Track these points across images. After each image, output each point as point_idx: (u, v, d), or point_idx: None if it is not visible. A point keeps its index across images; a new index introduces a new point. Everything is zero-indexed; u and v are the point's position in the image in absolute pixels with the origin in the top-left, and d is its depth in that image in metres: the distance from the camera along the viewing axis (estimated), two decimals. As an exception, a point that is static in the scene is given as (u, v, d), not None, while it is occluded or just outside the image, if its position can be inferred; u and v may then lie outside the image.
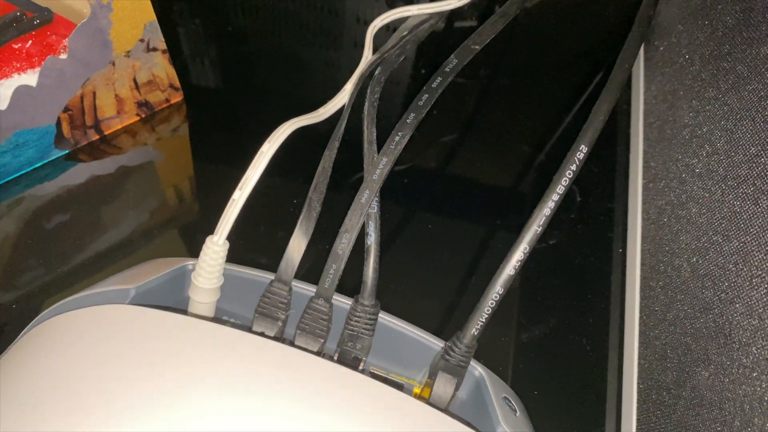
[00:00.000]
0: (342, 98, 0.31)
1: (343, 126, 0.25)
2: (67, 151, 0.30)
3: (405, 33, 0.33)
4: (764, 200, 0.21)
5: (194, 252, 0.29)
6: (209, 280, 0.20)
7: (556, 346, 0.27)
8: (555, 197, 0.19)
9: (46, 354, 0.15)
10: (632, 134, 0.33)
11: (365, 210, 0.21)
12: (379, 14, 0.36)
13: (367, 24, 0.36)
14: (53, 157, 0.30)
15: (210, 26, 0.37)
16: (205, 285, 0.20)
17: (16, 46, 0.24)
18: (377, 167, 0.22)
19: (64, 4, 0.24)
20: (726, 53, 0.26)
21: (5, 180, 0.29)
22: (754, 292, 0.19)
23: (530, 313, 0.28)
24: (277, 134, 0.23)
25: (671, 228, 0.26)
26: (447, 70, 0.26)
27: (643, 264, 0.28)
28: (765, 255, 0.20)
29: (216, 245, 0.20)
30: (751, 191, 0.21)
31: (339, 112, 0.31)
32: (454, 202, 0.31)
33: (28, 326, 0.18)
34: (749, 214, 0.21)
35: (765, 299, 0.19)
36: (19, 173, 0.29)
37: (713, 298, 0.22)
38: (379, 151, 0.23)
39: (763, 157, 0.21)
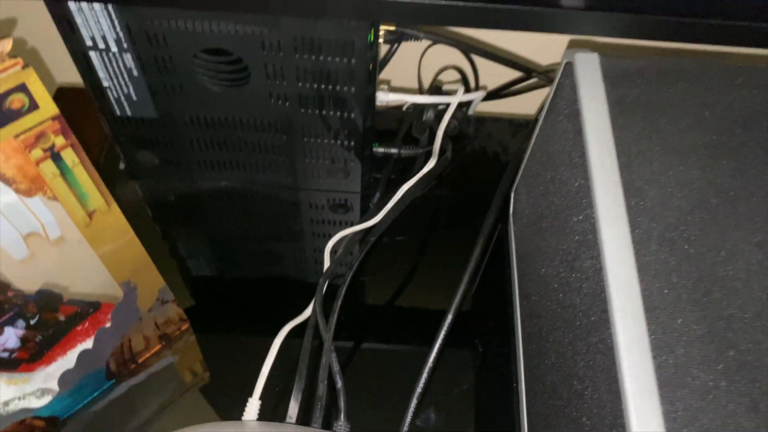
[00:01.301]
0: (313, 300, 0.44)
1: (314, 320, 0.39)
2: (114, 380, 0.42)
3: (338, 252, 0.46)
4: (580, 346, 0.32)
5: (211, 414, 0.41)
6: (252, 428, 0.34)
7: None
8: (433, 354, 0.33)
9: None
10: (513, 293, 0.45)
11: (330, 368, 0.35)
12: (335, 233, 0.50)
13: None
14: (105, 387, 0.42)
15: (198, 258, 0.51)
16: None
17: (78, 328, 0.37)
18: (327, 342, 0.36)
19: (108, 294, 0.37)
20: (544, 218, 0.39)
21: (73, 411, 0.41)
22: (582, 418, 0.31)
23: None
24: (282, 333, 0.39)
25: (539, 368, 0.38)
26: (354, 264, 0.41)
27: (527, 395, 0.39)
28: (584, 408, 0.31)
29: (255, 401, 0.36)
30: (568, 341, 0.34)
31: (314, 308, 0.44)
32: (390, 346, 0.43)
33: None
34: (573, 360, 0.33)
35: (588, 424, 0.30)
36: (83, 403, 0.41)
37: (563, 423, 0.33)
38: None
39: (576, 313, 0.34)
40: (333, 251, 0.48)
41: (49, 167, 0.30)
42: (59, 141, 0.30)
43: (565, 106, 0.36)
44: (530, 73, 0.49)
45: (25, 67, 0.27)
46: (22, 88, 0.28)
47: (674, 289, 0.27)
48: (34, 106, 0.28)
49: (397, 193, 0.48)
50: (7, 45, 0.27)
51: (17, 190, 0.30)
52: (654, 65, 0.35)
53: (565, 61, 0.36)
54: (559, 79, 0.37)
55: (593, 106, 0.33)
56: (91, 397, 0.41)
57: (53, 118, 0.29)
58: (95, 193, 0.33)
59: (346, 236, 0.48)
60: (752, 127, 0.33)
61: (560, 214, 0.35)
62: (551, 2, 0.32)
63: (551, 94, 0.38)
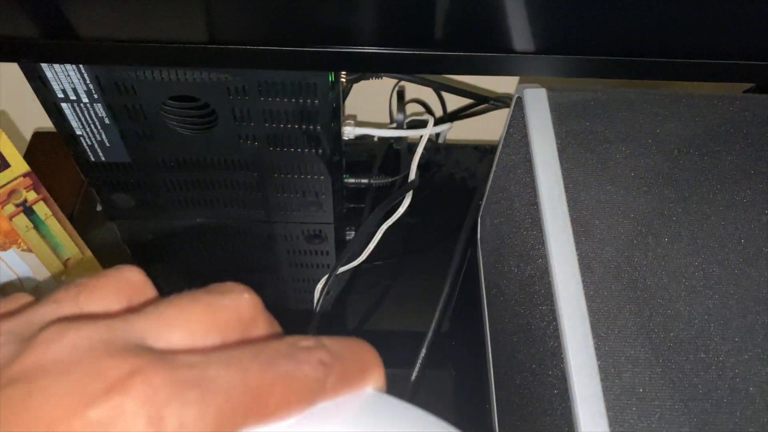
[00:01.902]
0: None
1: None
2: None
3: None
4: (538, 369, 0.34)
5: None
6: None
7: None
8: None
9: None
10: (483, 316, 0.47)
11: None
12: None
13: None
14: None
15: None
16: None
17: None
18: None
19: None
20: (505, 245, 0.40)
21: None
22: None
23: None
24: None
25: (509, 390, 0.39)
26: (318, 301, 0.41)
27: (499, 417, 0.41)
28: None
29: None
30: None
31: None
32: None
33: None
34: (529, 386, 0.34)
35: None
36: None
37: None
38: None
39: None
40: (325, 291, 0.48)
41: (21, 221, 0.32)
42: (31, 196, 0.31)
43: (518, 138, 0.37)
44: (487, 101, 0.51)
45: (-6, 130, 0.29)
46: (-7, 149, 0.29)
47: (621, 314, 0.29)
48: (5, 165, 0.30)
49: (378, 232, 0.49)
50: (-23, 110, 0.28)
51: (-8, 245, 0.31)
52: (599, 97, 0.37)
53: (516, 96, 0.37)
54: (511, 113, 0.39)
55: (542, 140, 0.35)
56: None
57: (24, 175, 0.31)
58: (69, 243, 0.34)
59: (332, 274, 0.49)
60: (693, 153, 0.34)
61: (517, 241, 0.37)
62: (501, 47, 0.34)
63: (506, 127, 0.40)
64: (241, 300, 0.16)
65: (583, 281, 0.29)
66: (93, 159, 0.45)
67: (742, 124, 0.35)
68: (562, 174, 0.33)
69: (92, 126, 0.42)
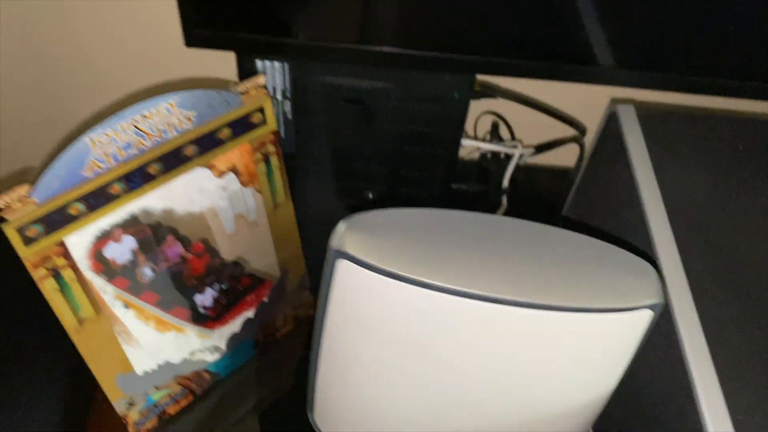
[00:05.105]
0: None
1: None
2: (258, 350, 0.53)
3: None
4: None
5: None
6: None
7: None
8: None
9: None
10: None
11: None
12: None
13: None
14: (252, 355, 0.53)
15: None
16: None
17: (247, 298, 0.49)
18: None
19: (269, 273, 0.49)
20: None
21: (227, 373, 0.51)
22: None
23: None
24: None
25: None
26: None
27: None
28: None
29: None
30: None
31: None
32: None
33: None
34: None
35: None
36: (236, 366, 0.52)
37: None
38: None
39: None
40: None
41: (261, 168, 0.43)
42: (271, 149, 0.43)
43: (611, 143, 0.50)
44: (577, 127, 0.64)
45: (267, 95, 0.41)
46: (261, 109, 0.41)
47: (702, 250, 0.40)
48: (264, 122, 0.42)
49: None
50: (262, 80, 0.40)
51: (240, 182, 0.43)
52: (673, 111, 0.49)
53: (610, 111, 0.50)
54: (605, 125, 0.51)
55: (635, 142, 0.47)
56: (240, 364, 0.52)
57: (273, 133, 0.43)
58: (281, 190, 0.46)
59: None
60: (750, 158, 0.47)
61: (612, 212, 0.48)
62: (593, 61, 0.48)
63: (598, 136, 0.52)
64: None
65: (672, 228, 0.41)
66: (265, 147, 0.57)
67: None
68: (652, 164, 0.45)
69: (277, 119, 0.55)
